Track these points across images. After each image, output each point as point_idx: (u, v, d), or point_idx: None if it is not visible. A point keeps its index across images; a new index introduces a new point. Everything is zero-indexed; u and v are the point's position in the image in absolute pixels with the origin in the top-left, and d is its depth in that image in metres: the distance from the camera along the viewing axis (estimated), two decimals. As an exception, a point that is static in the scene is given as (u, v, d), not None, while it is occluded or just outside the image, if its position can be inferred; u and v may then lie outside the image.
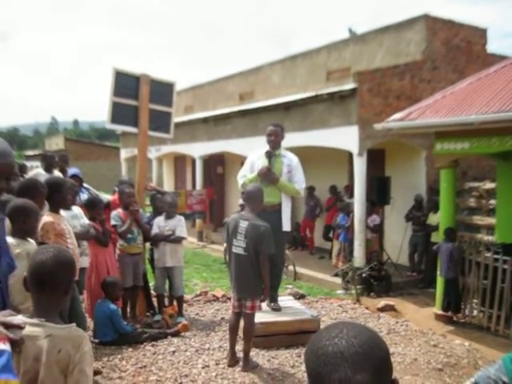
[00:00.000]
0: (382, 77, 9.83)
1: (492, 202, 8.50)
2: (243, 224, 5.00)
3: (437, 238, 8.65)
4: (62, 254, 2.15)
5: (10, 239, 3.55)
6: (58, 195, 4.70)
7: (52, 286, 2.09)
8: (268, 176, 5.95)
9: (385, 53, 11.87)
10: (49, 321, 2.06)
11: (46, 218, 4.53)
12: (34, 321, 2.06)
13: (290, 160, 6.24)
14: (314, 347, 1.14)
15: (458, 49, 11.11)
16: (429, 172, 10.47)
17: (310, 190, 12.61)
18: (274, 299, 6.23)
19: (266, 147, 6.23)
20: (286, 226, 6.16)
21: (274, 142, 6.16)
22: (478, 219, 8.79)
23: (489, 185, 8.67)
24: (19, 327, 1.98)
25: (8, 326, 1.93)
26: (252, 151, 6.55)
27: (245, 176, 6.23)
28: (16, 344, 1.93)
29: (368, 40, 12.48)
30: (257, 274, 4.99)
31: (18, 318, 2.07)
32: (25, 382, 2.04)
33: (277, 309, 6.18)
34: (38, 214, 3.77)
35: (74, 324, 2.19)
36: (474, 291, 7.50)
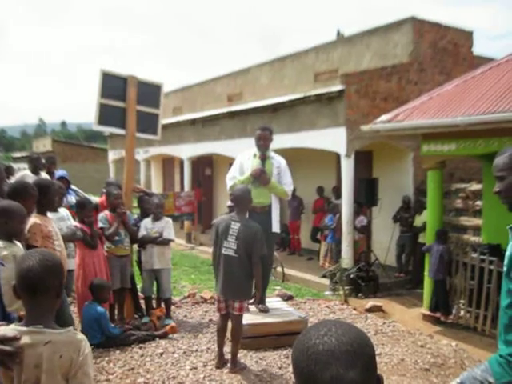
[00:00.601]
0: (369, 78, 9.88)
1: (478, 203, 8.57)
2: (235, 226, 5.01)
3: (424, 238, 8.70)
4: (49, 258, 2.12)
5: (-5, 242, 3.53)
6: (45, 197, 4.66)
7: (43, 292, 2.06)
8: (261, 177, 5.98)
9: (372, 55, 11.93)
10: (46, 326, 2.04)
11: (33, 220, 4.50)
12: (31, 329, 2.03)
13: (279, 162, 6.29)
14: (303, 346, 1.14)
15: (444, 51, 11.20)
16: (416, 173, 10.53)
17: (292, 191, 12.59)
18: (261, 300, 6.24)
19: (255, 148, 6.26)
20: (276, 227, 6.19)
21: (264, 146, 6.19)
22: (465, 220, 8.86)
23: (475, 186, 8.73)
24: (15, 339, 1.96)
25: (3, 341, 1.91)
26: (241, 152, 6.56)
27: (235, 177, 6.22)
28: (16, 355, 1.91)
29: (356, 42, 12.54)
30: (246, 276, 5.00)
31: (11, 328, 2.06)
32: None
33: (265, 310, 6.19)
34: (23, 216, 3.72)
35: (72, 327, 2.18)
36: (461, 292, 7.55)
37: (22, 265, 2.08)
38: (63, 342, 2.04)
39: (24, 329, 2.03)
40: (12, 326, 2.08)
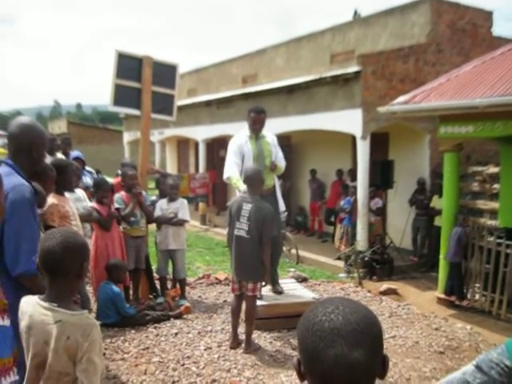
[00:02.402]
0: (386, 59, 9.76)
1: (495, 186, 8.47)
2: (247, 206, 5.01)
3: (440, 221, 8.64)
4: (70, 239, 2.11)
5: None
6: (62, 177, 4.69)
7: (62, 272, 2.08)
8: (270, 166, 5.92)
9: (389, 35, 11.78)
10: (61, 306, 2.05)
11: (51, 200, 4.53)
12: (46, 305, 2.05)
13: (272, 139, 6.23)
14: (309, 322, 1.13)
15: (463, 32, 11.01)
16: (432, 156, 10.43)
17: (313, 172, 12.68)
18: (275, 281, 6.24)
19: (246, 130, 6.14)
20: (282, 205, 6.24)
21: (260, 129, 6.07)
22: (482, 203, 8.76)
23: (492, 169, 8.63)
24: None
25: None
26: (233, 138, 6.32)
27: (237, 164, 5.95)
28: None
29: (372, 22, 12.38)
30: (259, 257, 5.00)
31: (35, 300, 2.09)
32: (34, 365, 2.06)
33: (279, 291, 6.19)
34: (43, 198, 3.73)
35: (86, 311, 2.19)
36: (477, 275, 7.51)
37: (43, 246, 2.08)
38: (73, 323, 2.03)
39: (41, 303, 2.06)
40: (36, 297, 2.11)
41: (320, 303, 1.19)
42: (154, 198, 7.23)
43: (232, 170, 5.90)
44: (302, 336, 1.14)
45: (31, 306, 2.09)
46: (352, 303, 1.16)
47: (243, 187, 5.40)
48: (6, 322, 1.86)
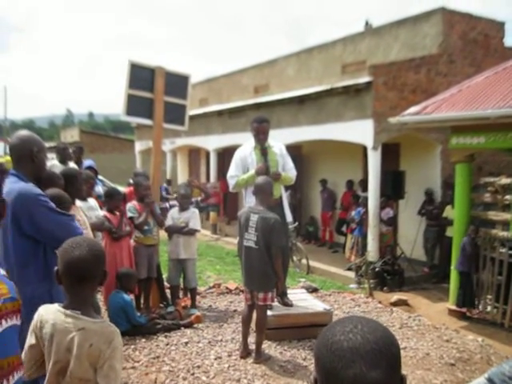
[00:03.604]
0: (397, 70, 9.77)
1: (508, 197, 8.41)
2: (253, 217, 5.02)
3: (452, 232, 8.60)
4: (96, 246, 2.16)
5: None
6: (72, 186, 4.72)
7: (89, 280, 2.11)
8: (274, 175, 5.85)
9: (401, 46, 11.80)
10: (83, 313, 2.08)
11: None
12: (69, 312, 2.08)
13: (280, 149, 6.17)
14: (327, 341, 1.13)
15: (475, 42, 11.01)
16: (444, 166, 10.40)
17: (323, 182, 12.69)
18: (284, 293, 6.21)
19: (252, 140, 6.08)
20: (289, 216, 6.21)
21: (264, 139, 6.00)
22: (493, 214, 8.69)
23: (505, 180, 8.56)
24: None
25: None
26: (239, 148, 6.24)
27: (237, 176, 5.98)
28: None
29: (384, 33, 12.40)
30: (268, 267, 5.00)
31: (55, 308, 2.11)
32: (55, 371, 2.08)
33: (288, 304, 6.12)
34: None
35: (107, 319, 2.22)
36: (489, 287, 7.46)
37: (71, 253, 2.08)
38: (95, 331, 2.06)
39: (63, 310, 2.08)
40: (56, 305, 2.14)
41: (338, 321, 1.19)
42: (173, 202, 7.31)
43: (234, 179, 6.00)
44: (320, 355, 1.14)
45: (52, 314, 2.11)
46: (371, 322, 1.16)
47: (252, 171, 5.64)
48: (19, 321, 1.90)
